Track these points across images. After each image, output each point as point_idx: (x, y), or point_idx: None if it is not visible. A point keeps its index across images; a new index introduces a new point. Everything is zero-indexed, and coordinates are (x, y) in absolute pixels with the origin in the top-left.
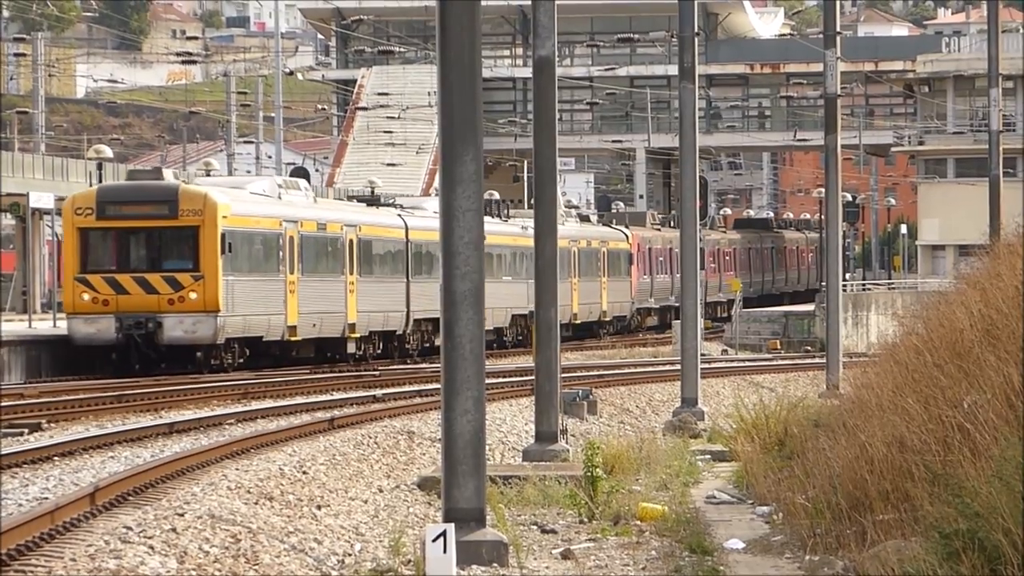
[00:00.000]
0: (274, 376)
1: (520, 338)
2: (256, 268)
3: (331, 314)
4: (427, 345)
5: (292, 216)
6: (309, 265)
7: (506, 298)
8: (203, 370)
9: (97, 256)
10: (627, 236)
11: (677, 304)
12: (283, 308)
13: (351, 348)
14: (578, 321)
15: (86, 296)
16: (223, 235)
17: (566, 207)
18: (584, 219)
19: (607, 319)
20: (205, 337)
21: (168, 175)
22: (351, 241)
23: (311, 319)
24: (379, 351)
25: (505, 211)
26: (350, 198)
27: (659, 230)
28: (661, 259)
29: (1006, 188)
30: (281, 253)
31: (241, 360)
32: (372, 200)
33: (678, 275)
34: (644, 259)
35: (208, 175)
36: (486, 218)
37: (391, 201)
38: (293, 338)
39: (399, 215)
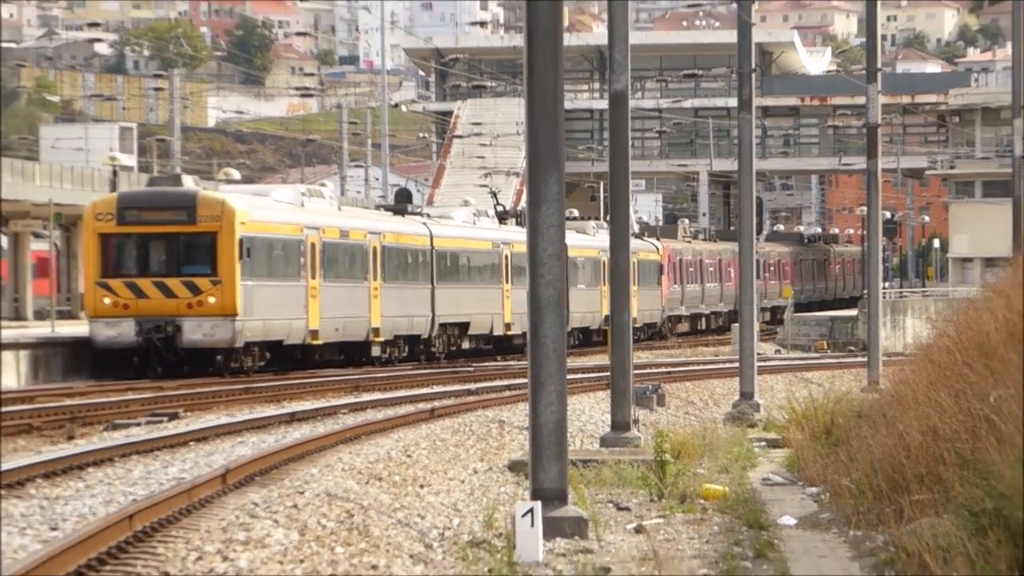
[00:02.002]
0: (381, 372)
1: None
2: (276, 273)
3: (354, 318)
4: (453, 348)
5: (314, 223)
6: (331, 271)
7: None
8: (223, 373)
9: (117, 261)
10: (658, 248)
11: (708, 312)
12: (304, 312)
13: (376, 351)
14: (607, 327)
15: (107, 300)
16: (241, 241)
17: (636, 221)
18: None
19: (637, 325)
20: (223, 340)
21: (188, 182)
22: (375, 248)
23: (334, 323)
24: (404, 354)
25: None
26: (377, 207)
27: (690, 242)
28: (692, 269)
29: None
30: (302, 259)
31: (262, 363)
32: (399, 209)
33: (708, 284)
34: (675, 269)
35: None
36: (517, 228)
37: (418, 210)
38: (315, 342)
39: (424, 223)
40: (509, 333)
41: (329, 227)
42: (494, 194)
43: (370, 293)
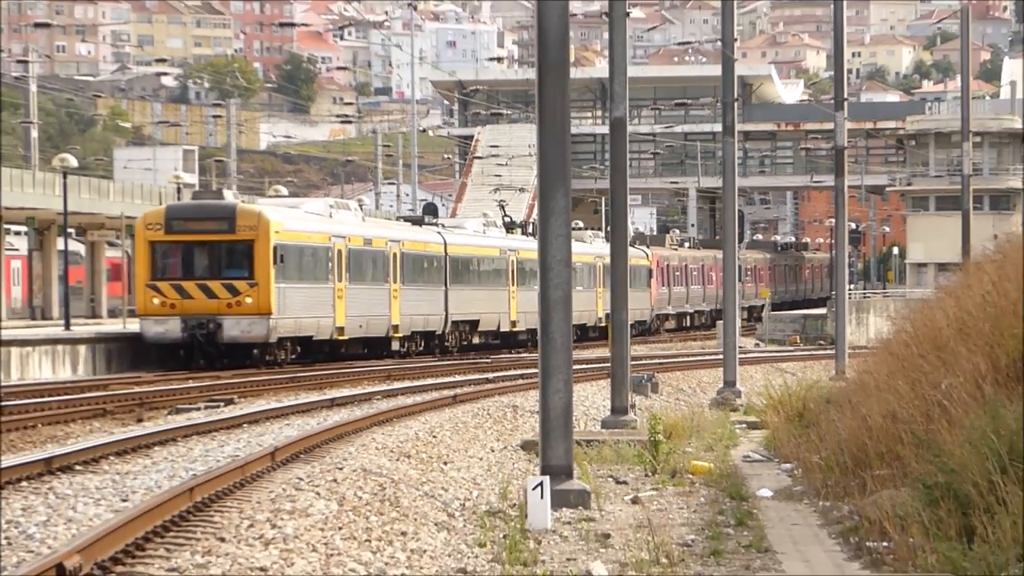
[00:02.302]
0: (411, 363)
1: None
2: (306, 277)
3: (376, 317)
4: (465, 343)
5: (340, 232)
6: (356, 274)
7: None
8: (259, 365)
9: (165, 266)
10: (647, 255)
11: (692, 311)
12: (331, 311)
13: (395, 346)
14: (603, 324)
15: (156, 300)
16: (275, 248)
17: (637, 231)
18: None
19: (630, 322)
20: (259, 336)
21: (228, 195)
22: (395, 254)
23: (358, 321)
24: (421, 348)
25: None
26: (398, 218)
27: (676, 250)
28: (678, 273)
29: (974, 219)
30: (330, 264)
31: (293, 356)
32: (417, 220)
33: (692, 287)
34: (663, 273)
35: (361, 207)
36: (522, 236)
37: (434, 221)
38: (341, 337)
39: (439, 232)
40: (515, 330)
41: (354, 235)
42: (502, 207)
43: (390, 294)
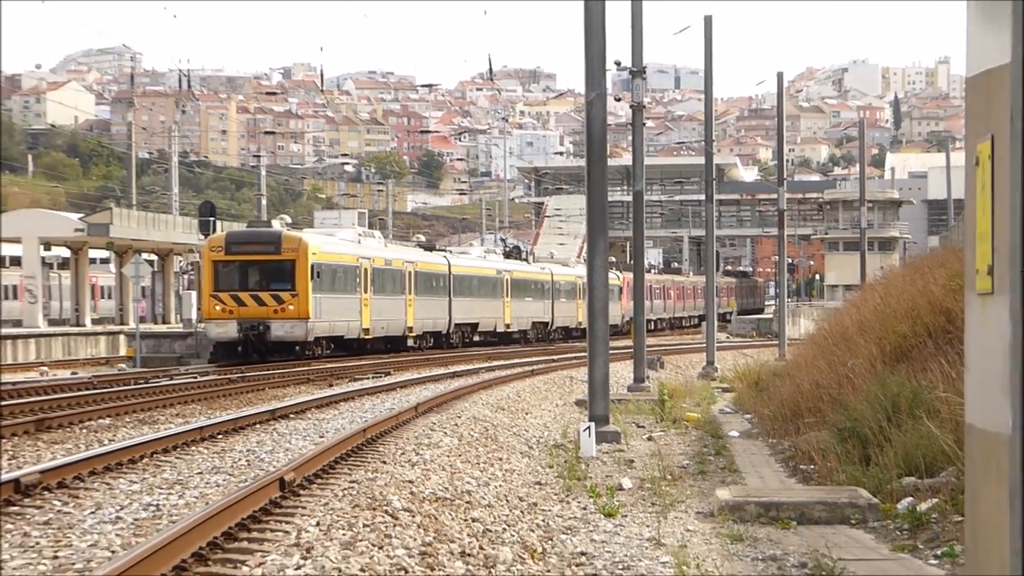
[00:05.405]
0: (504, 349)
1: (540, 337)
2: (338, 289)
3: (395, 320)
4: (467, 340)
5: (366, 255)
6: (378, 287)
7: (530, 311)
8: (300, 360)
9: (225, 279)
10: (619, 277)
11: (655, 319)
12: (359, 316)
13: (410, 343)
14: (583, 327)
15: (218, 307)
16: (312, 266)
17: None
18: None
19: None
20: (300, 336)
21: (276, 224)
22: (409, 272)
23: (380, 323)
24: (431, 344)
25: (531, 257)
26: (416, 245)
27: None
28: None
29: (868, 256)
30: (358, 279)
31: (328, 352)
32: (428, 247)
33: (655, 301)
34: (631, 291)
35: (455, 251)
36: (517, 261)
37: (441, 248)
38: (367, 336)
39: (444, 256)
40: (508, 331)
41: (377, 257)
42: (503, 240)
43: (406, 303)
